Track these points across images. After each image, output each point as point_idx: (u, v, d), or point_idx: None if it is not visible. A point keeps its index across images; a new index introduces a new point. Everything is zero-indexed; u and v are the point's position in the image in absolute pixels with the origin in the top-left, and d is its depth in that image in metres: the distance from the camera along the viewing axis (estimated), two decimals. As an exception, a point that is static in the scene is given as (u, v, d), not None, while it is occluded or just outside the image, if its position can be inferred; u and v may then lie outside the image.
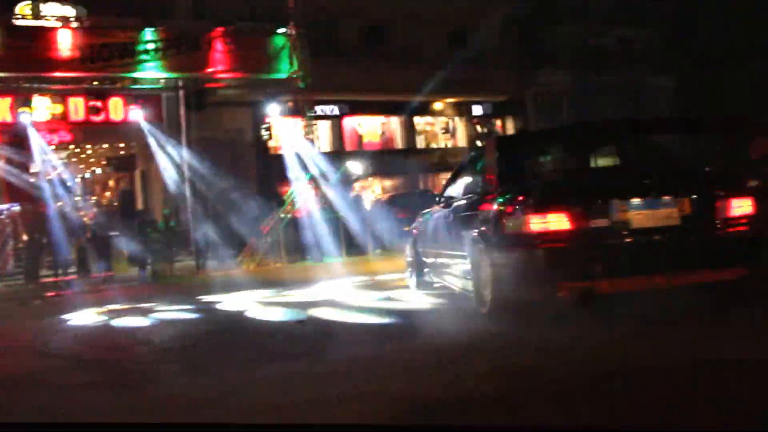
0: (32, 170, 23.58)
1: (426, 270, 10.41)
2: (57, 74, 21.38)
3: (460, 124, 35.30)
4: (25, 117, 22.07)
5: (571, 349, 5.93)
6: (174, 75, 22.91)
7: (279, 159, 24.99)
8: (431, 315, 8.78)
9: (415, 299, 10.11)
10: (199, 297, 12.95)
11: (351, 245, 20.79)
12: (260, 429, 4.19)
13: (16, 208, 22.52)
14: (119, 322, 10.59)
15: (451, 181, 9.66)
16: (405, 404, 4.83)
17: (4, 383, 6.80)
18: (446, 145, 35.21)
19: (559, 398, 4.69)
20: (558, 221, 6.59)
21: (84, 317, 11.49)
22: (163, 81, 23.03)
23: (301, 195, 22.32)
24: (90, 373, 7.23)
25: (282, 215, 21.60)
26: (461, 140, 35.23)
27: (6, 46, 20.40)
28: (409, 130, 33.53)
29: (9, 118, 22.16)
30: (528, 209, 6.66)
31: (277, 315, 10.17)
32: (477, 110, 35.14)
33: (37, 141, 22.37)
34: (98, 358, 8.13)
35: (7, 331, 10.80)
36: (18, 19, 21.37)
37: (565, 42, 35.72)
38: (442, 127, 35.28)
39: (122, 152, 26.85)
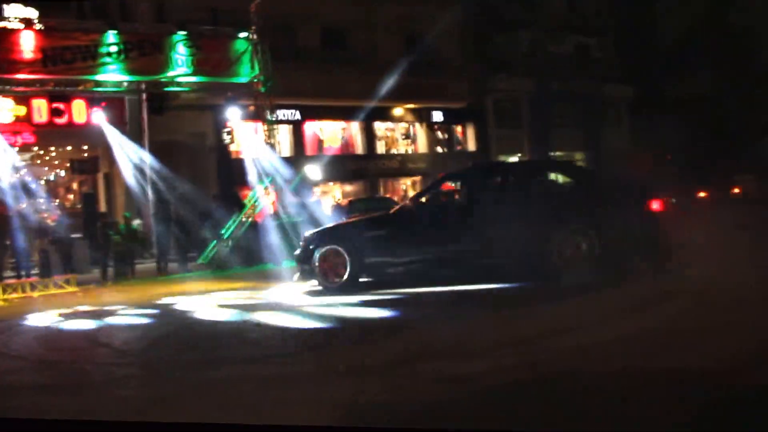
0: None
1: None
2: (19, 76, 21.38)
3: (420, 130, 35.56)
4: (-12, 119, 22.01)
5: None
6: (136, 78, 22.98)
7: (240, 163, 25.12)
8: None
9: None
10: (159, 300, 13.11)
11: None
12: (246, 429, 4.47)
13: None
14: (79, 324, 10.71)
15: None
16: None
17: None
18: (407, 151, 35.57)
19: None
20: None
21: (45, 319, 11.60)
22: (125, 84, 23.09)
23: (261, 199, 22.48)
24: (48, 374, 7.38)
25: (243, 219, 21.81)
26: (422, 146, 35.54)
27: (-33, 47, 20.39)
28: (370, 136, 33.79)
29: (-29, 120, 22.09)
30: None
31: (234, 317, 10.32)
32: (437, 116, 35.48)
33: (0, 143, 22.34)
34: (57, 359, 8.24)
35: None
36: (-21, 20, 21.33)
37: (521, 49, 36.17)
38: (402, 133, 35.65)
39: (85, 155, 26.74)
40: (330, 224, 14.10)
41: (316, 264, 11.89)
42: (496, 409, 4.80)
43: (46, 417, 5.26)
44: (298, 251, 12.71)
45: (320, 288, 12.02)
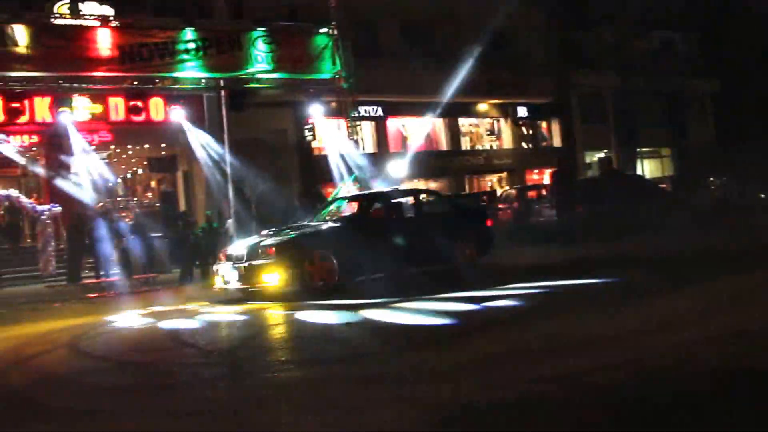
0: (73, 170, 23.27)
1: None
2: (96, 74, 20.95)
3: (505, 126, 34.70)
4: (66, 117, 21.69)
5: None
6: (215, 75, 22.45)
7: (322, 160, 24.55)
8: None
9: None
10: (245, 299, 12.49)
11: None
12: None
13: (58, 208, 22.21)
14: (161, 324, 10.24)
15: None
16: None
17: (43, 382, 6.78)
18: (492, 147, 34.71)
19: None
20: None
21: (127, 319, 11.17)
22: (203, 81, 22.56)
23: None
24: (134, 374, 7.08)
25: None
26: (507, 142, 34.68)
27: (44, 46, 20.03)
28: (454, 132, 33.05)
29: (49, 118, 21.78)
30: None
31: (325, 317, 9.69)
32: (522, 111, 34.67)
33: (78, 141, 22.02)
34: (140, 360, 7.90)
35: (50, 332, 10.49)
36: (56, 18, 21.03)
37: (606, 44, 35.15)
38: (487, 129, 34.84)
39: (163, 153, 26.50)
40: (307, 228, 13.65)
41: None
42: (600, 410, 4.36)
43: (126, 419, 5.16)
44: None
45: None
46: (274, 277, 11.81)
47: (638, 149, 36.21)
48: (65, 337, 9.69)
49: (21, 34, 19.71)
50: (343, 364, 6.44)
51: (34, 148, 24.01)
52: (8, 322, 12.18)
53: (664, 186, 29.03)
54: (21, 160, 23.67)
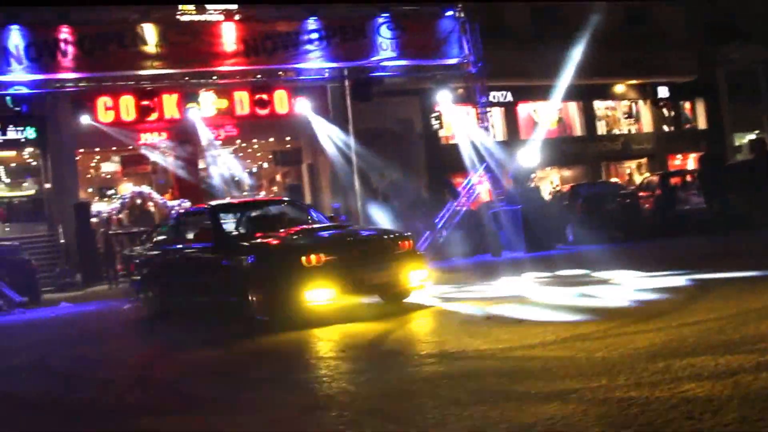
0: (201, 166, 23.48)
1: None
2: (221, 68, 21.01)
3: (644, 108, 32.96)
4: (194, 112, 21.92)
5: None
6: (339, 64, 22.06)
7: (450, 149, 23.78)
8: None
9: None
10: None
11: (533, 240, 18.92)
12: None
13: (187, 203, 22.40)
14: None
15: None
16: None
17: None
18: (629, 131, 33.15)
19: None
20: None
21: None
22: (327, 71, 22.19)
23: (476, 186, 21.20)
24: (265, 367, 7.11)
25: (457, 207, 20.26)
26: (646, 125, 32.95)
27: (171, 43, 20.21)
28: (589, 116, 31.66)
29: (177, 114, 22.04)
30: None
31: (459, 309, 9.45)
32: (662, 92, 32.87)
33: (205, 136, 22.16)
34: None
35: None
36: (182, 15, 21.11)
37: (756, 12, 32.57)
38: (625, 112, 33.27)
39: (288, 146, 26.59)
40: None
41: None
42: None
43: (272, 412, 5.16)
44: None
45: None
46: None
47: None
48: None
49: (150, 33, 20.02)
50: (486, 359, 6.19)
51: (163, 145, 24.36)
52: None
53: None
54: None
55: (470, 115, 23.08)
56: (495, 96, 27.29)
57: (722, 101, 34.07)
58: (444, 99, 23.06)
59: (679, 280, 9.50)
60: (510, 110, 29.62)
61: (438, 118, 24.54)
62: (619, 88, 32.06)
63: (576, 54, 26.24)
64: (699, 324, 6.54)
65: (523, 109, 30.29)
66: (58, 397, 6.51)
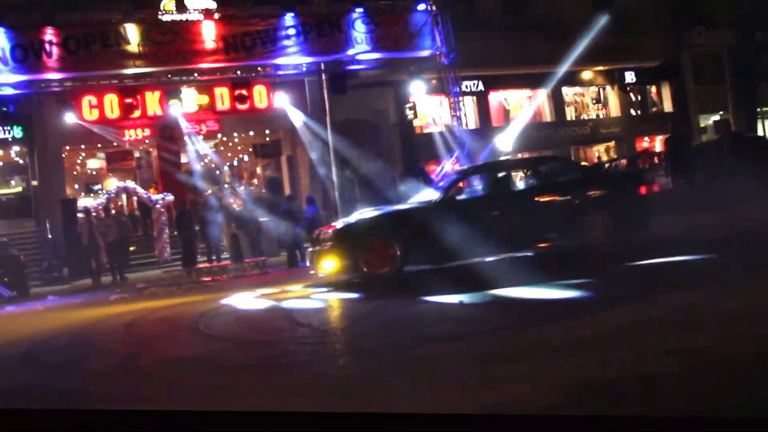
0: (183, 160, 24.01)
1: None
2: (202, 65, 21.73)
3: (611, 93, 33.58)
4: (175, 108, 22.47)
5: None
6: (316, 59, 22.79)
7: (424, 138, 24.40)
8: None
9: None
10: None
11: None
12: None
13: (170, 197, 22.99)
14: (276, 306, 10.39)
15: None
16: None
17: (173, 364, 6.99)
18: (598, 116, 33.66)
19: None
20: None
21: (241, 301, 11.41)
22: (305, 66, 22.92)
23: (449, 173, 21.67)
24: (253, 353, 7.22)
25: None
26: (614, 109, 33.55)
27: (154, 42, 20.87)
28: (558, 102, 32.14)
29: (159, 111, 22.61)
30: None
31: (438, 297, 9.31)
32: (629, 77, 33.25)
33: (187, 131, 22.72)
34: (260, 339, 8.07)
35: (171, 315, 10.90)
36: (164, 14, 21.75)
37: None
38: (593, 97, 33.73)
39: (268, 139, 27.00)
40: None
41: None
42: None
43: (250, 396, 5.24)
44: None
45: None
46: (330, 264, 11.37)
47: (758, 109, 34.31)
48: (185, 319, 10.05)
49: (132, 32, 20.69)
50: (460, 342, 6.29)
51: (146, 141, 24.88)
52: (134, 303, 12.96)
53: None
54: None
55: (443, 105, 23.84)
56: (467, 85, 27.81)
57: (688, 84, 34.57)
58: (418, 90, 23.79)
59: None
60: (482, 99, 30.03)
61: (412, 108, 25.23)
62: (587, 75, 32.45)
63: (545, 43, 27.08)
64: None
65: (494, 98, 30.77)
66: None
